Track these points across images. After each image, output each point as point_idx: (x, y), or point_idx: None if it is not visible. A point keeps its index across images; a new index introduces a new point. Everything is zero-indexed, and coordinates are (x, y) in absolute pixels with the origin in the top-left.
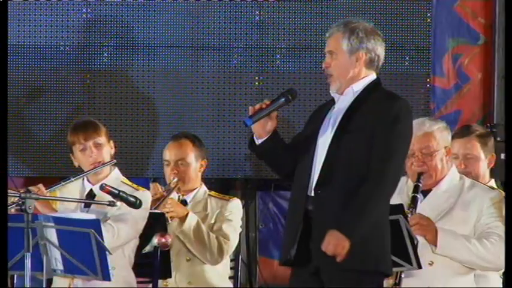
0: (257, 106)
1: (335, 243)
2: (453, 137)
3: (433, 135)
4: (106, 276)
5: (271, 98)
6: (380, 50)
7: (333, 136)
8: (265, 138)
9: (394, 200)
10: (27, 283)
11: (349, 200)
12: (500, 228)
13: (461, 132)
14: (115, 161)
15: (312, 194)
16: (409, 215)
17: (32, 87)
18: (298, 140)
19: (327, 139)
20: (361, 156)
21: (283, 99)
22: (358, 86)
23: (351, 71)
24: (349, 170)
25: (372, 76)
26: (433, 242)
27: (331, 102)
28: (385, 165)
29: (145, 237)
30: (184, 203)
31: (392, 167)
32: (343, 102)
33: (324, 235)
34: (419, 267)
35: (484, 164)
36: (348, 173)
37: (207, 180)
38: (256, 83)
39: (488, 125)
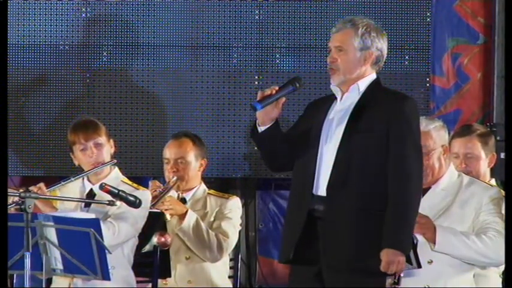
0: (267, 91)
1: (395, 262)
2: (454, 136)
3: (429, 134)
4: (106, 276)
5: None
6: (385, 50)
7: (342, 136)
8: (268, 125)
9: None
10: (27, 283)
11: (368, 208)
12: (498, 224)
13: (462, 131)
14: (115, 161)
15: (320, 194)
16: None
17: (32, 87)
18: (295, 134)
19: (335, 138)
20: (374, 157)
21: (291, 87)
22: (363, 85)
23: (358, 69)
24: (362, 171)
25: (374, 75)
26: (432, 240)
27: (331, 97)
28: (407, 178)
29: (144, 236)
30: (183, 201)
31: (414, 176)
32: (348, 99)
33: (335, 235)
34: (419, 266)
35: (484, 164)
36: (361, 173)
37: (206, 179)
38: (256, 83)
39: (488, 124)
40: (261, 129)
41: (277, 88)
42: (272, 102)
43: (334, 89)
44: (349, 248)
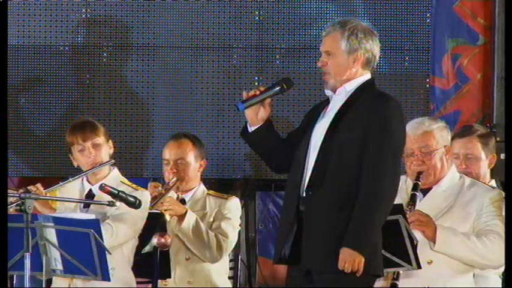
0: (251, 92)
1: (351, 261)
2: (454, 137)
3: (432, 134)
4: (105, 277)
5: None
6: (377, 50)
7: (324, 136)
8: (258, 126)
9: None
10: (27, 283)
11: (346, 208)
12: (499, 226)
13: (463, 132)
14: (113, 161)
15: (304, 195)
16: (408, 212)
17: (32, 87)
18: (293, 136)
19: (318, 139)
20: (352, 157)
21: (277, 88)
22: (351, 86)
23: (348, 71)
24: (340, 171)
25: (367, 76)
26: (432, 238)
27: (327, 101)
28: (379, 178)
29: (144, 237)
30: (183, 202)
31: (386, 177)
32: (336, 101)
33: (314, 236)
34: (419, 267)
35: (484, 164)
36: (339, 174)
37: (206, 180)
38: (256, 83)
39: (488, 125)
40: (250, 129)
41: (262, 89)
42: (256, 102)
43: (327, 91)
44: (329, 247)
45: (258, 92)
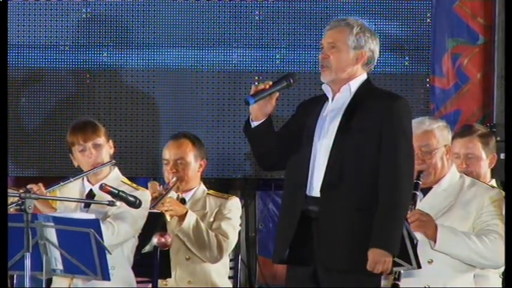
0: (260, 86)
1: (381, 261)
2: (455, 137)
3: (433, 133)
4: (106, 276)
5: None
6: (377, 51)
7: (335, 136)
8: (262, 121)
9: None
10: (27, 283)
11: (363, 209)
12: (499, 226)
13: (463, 132)
14: (114, 161)
15: (314, 194)
16: (409, 212)
17: (32, 87)
18: (286, 133)
19: (328, 138)
20: (367, 157)
21: (284, 82)
22: (355, 84)
23: (350, 68)
24: (355, 171)
25: (364, 75)
26: (433, 238)
27: (322, 97)
28: (398, 178)
29: (144, 237)
30: (183, 201)
31: (405, 175)
32: (340, 99)
33: (329, 236)
34: (419, 267)
35: (485, 164)
36: (355, 175)
37: (206, 180)
38: (256, 83)
39: (488, 125)
40: (254, 124)
41: (271, 83)
42: (265, 96)
43: (326, 88)
44: (344, 248)
45: (267, 86)
